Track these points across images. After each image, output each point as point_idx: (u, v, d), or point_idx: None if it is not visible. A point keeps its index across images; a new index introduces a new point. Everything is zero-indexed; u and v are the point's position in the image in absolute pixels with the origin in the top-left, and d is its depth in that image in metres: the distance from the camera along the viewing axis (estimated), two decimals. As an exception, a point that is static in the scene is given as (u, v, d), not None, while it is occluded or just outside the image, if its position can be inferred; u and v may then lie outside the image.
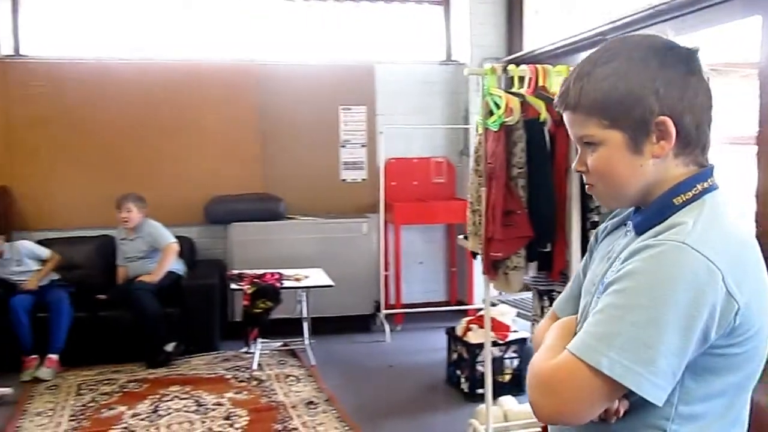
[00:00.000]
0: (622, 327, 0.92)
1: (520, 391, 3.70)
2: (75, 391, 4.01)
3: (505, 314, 3.85)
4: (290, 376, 4.24)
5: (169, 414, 3.67)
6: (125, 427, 3.50)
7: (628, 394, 0.94)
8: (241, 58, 5.47)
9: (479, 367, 3.70)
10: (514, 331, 3.82)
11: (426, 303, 5.56)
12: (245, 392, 3.97)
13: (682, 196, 1.01)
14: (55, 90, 5.11)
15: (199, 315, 4.66)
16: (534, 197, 2.74)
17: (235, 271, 4.64)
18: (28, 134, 5.11)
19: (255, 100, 5.40)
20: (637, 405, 0.97)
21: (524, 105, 2.72)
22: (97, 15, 5.37)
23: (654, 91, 0.99)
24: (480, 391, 3.55)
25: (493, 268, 2.86)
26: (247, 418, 3.60)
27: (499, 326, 3.78)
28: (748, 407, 1.05)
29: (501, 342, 3.76)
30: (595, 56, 1.05)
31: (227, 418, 3.61)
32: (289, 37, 5.65)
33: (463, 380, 3.88)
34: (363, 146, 5.61)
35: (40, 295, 4.43)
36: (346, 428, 3.46)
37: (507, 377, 3.84)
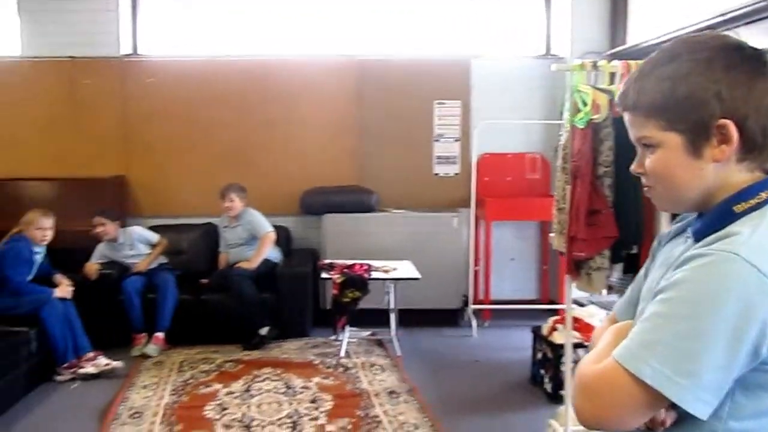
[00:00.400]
0: (666, 336, 0.90)
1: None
2: (177, 368, 4.30)
3: (594, 316, 3.76)
4: (375, 365, 4.34)
5: (260, 394, 3.86)
6: (219, 404, 3.72)
7: (675, 406, 0.92)
8: (342, 53, 5.62)
9: (564, 368, 3.64)
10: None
11: (515, 300, 5.50)
12: (332, 378, 4.11)
13: (744, 203, 0.97)
14: (167, 86, 5.47)
15: (292, 302, 4.85)
16: (621, 197, 2.67)
17: (327, 261, 4.79)
18: (143, 128, 5.50)
19: (354, 94, 5.54)
20: (685, 417, 0.94)
21: (614, 102, 2.65)
22: (206, 15, 5.70)
23: (716, 93, 0.96)
24: (564, 392, 3.49)
25: (575, 268, 2.81)
26: (332, 402, 3.74)
27: (585, 328, 3.69)
28: None
29: (587, 344, 3.67)
30: (657, 56, 1.03)
31: (313, 401, 3.76)
32: (388, 32, 5.75)
33: (546, 380, 3.83)
34: (457, 141, 5.62)
35: (149, 278, 4.78)
36: (426, 420, 3.51)
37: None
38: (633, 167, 1.09)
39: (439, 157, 5.63)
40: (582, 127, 2.71)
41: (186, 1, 5.71)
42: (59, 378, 4.07)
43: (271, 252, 5.00)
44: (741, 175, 0.99)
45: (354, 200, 5.31)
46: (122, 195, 5.46)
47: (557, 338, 3.73)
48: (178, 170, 5.51)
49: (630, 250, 2.71)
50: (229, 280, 4.74)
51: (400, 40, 5.74)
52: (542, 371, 3.90)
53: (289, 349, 4.66)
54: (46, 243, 4.39)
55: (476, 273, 5.44)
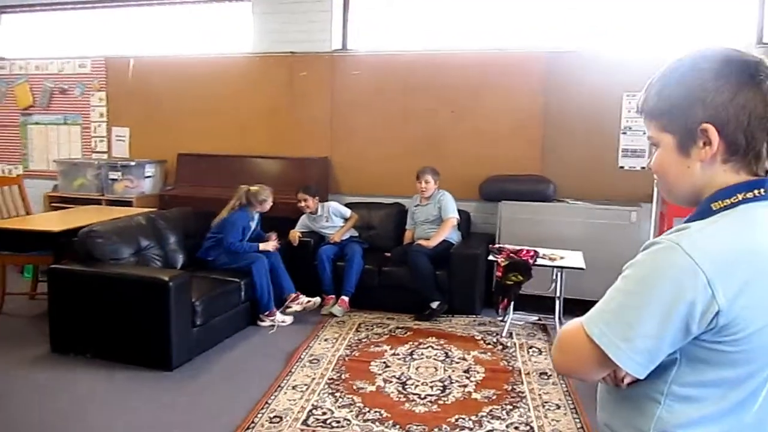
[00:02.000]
0: (614, 306, 1.09)
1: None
2: (355, 328, 4.88)
3: None
4: (534, 347, 4.51)
5: (421, 359, 4.27)
6: (384, 362, 4.20)
7: None
8: (530, 47, 5.76)
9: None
10: None
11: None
12: (489, 354, 4.38)
13: (720, 202, 1.09)
14: (370, 78, 6.08)
15: (463, 281, 5.16)
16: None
17: (496, 245, 5.03)
18: (347, 115, 6.17)
19: (540, 86, 5.67)
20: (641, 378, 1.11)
21: None
22: (404, 14, 6.21)
23: (702, 99, 1.08)
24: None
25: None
26: (483, 374, 4.02)
27: None
28: (757, 406, 1.09)
29: None
30: (668, 65, 1.18)
31: (467, 371, 4.07)
32: (576, 25, 5.75)
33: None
34: (645, 133, 5.45)
35: (341, 248, 5.42)
36: (570, 402, 3.65)
37: None
38: (647, 164, 1.26)
39: (624, 150, 5.54)
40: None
41: (388, 2, 6.26)
42: (261, 323, 4.87)
43: (452, 234, 5.36)
44: (726, 176, 1.10)
45: (531, 189, 5.46)
46: (326, 174, 6.20)
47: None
48: (374, 154, 6.10)
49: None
50: (408, 255, 5.20)
51: (590, 33, 5.71)
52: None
53: (457, 324, 5.00)
54: (264, 211, 5.19)
55: (656, 270, 5.28)
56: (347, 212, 5.64)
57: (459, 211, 5.51)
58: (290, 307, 4.96)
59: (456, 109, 5.89)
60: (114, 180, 6.31)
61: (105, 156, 6.97)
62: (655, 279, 1.04)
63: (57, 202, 6.43)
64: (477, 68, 5.81)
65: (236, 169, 6.20)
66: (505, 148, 5.75)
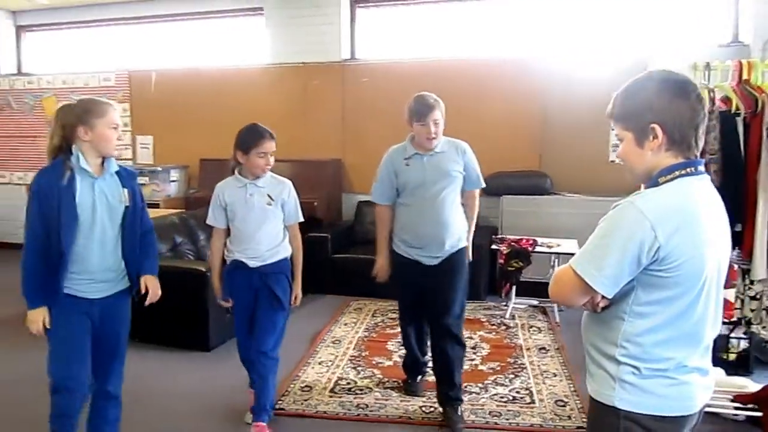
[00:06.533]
0: (591, 248, 1.57)
1: (747, 371, 3.90)
2: (371, 314, 5.35)
3: (727, 293, 3.99)
4: (534, 327, 4.97)
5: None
6: (398, 341, 4.62)
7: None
8: (528, 54, 6.24)
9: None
10: (738, 309, 3.95)
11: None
12: (494, 333, 4.84)
13: (664, 177, 1.57)
14: (378, 84, 6.54)
15: (470, 270, 5.60)
16: (726, 181, 3.04)
17: (499, 236, 5.48)
18: (357, 120, 6.64)
19: (538, 89, 6.14)
20: (611, 303, 1.59)
21: (716, 98, 3.02)
22: (409, 24, 6.67)
23: (650, 106, 1.56)
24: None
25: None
26: (488, 350, 4.48)
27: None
28: (692, 317, 1.55)
29: (726, 321, 3.93)
30: (627, 84, 1.65)
31: (473, 347, 4.52)
32: (569, 32, 6.23)
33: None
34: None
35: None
36: (565, 371, 4.10)
37: (732, 356, 4.02)
38: (616, 155, 1.73)
39: (615, 146, 5.98)
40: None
41: (394, 13, 6.73)
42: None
43: None
44: (668, 159, 1.58)
45: (529, 184, 5.92)
46: (339, 175, 6.66)
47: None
48: (383, 155, 6.52)
49: (733, 228, 3.06)
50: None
51: (581, 38, 6.18)
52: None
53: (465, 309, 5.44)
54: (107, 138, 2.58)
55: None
56: (297, 215, 3.55)
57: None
58: None
59: (459, 111, 6.32)
60: (142, 184, 6.77)
61: (130, 162, 7.45)
62: (617, 227, 1.53)
63: (88, 206, 6.89)
64: (478, 73, 6.27)
65: (255, 172, 6.64)
66: (505, 147, 6.21)
